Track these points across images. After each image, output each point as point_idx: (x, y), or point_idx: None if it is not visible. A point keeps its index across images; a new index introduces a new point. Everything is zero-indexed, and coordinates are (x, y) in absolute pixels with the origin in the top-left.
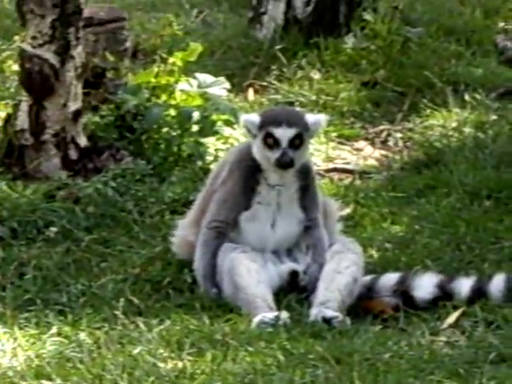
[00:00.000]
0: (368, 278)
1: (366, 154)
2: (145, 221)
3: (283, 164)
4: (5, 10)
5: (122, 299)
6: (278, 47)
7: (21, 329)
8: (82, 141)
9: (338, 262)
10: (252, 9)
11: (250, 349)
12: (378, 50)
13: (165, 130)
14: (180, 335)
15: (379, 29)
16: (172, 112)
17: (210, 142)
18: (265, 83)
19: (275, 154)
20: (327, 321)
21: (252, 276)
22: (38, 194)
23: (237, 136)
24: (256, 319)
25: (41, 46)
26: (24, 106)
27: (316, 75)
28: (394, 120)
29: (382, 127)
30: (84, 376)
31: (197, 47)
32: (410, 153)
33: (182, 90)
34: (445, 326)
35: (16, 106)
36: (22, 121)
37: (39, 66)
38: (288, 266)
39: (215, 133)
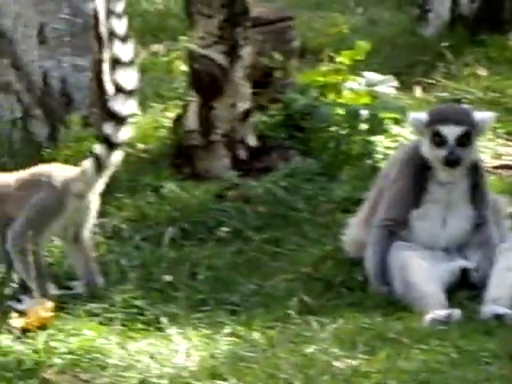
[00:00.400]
0: None
1: None
2: (315, 220)
3: (451, 162)
4: (170, 11)
5: (294, 298)
6: (444, 44)
7: (194, 329)
8: (252, 141)
9: (508, 259)
10: (417, 6)
11: (423, 347)
12: None
13: (333, 128)
14: (353, 334)
15: None
16: (340, 111)
17: (378, 140)
18: (431, 81)
19: (442, 152)
20: (499, 318)
21: (423, 274)
22: (208, 195)
23: (405, 134)
24: (428, 317)
25: (209, 46)
26: (193, 107)
27: (483, 72)
28: None
29: None
30: (258, 375)
31: (364, 46)
32: None
33: (350, 89)
34: None
35: (185, 107)
36: (192, 121)
37: (208, 66)
38: (459, 263)
39: (384, 131)
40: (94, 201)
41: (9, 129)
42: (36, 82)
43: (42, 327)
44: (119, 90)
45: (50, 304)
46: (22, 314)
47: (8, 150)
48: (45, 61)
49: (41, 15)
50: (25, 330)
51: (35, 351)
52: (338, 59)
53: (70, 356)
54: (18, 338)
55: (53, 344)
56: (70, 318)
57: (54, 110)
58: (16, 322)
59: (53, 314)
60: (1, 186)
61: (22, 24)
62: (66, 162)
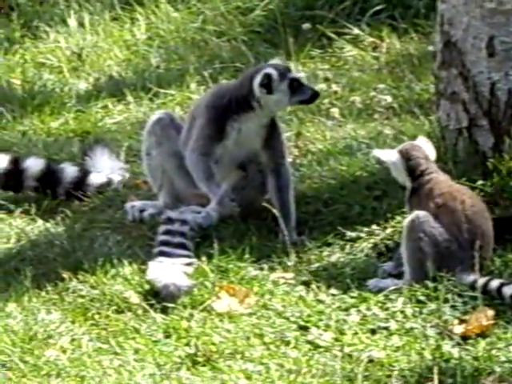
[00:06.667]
0: None
1: None
2: None
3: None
4: None
5: None
6: None
7: None
8: None
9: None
10: None
11: None
12: None
13: None
14: None
15: None
16: None
17: None
18: None
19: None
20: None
21: None
22: None
23: None
24: None
25: None
26: None
27: None
28: None
29: None
30: None
31: None
32: None
33: None
34: None
35: None
36: None
37: None
38: None
39: None
40: None
41: (455, 137)
42: (483, 92)
43: (482, 335)
44: None
45: (490, 312)
46: (462, 321)
47: (452, 158)
48: (493, 72)
49: (490, 27)
50: (465, 337)
51: (475, 358)
52: None
53: (509, 365)
54: (459, 344)
55: (493, 352)
56: (510, 326)
57: (499, 121)
58: (457, 328)
59: (493, 321)
60: None
61: (472, 35)
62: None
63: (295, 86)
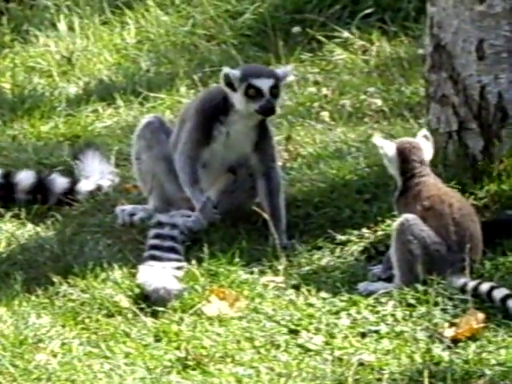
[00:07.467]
0: None
1: None
2: None
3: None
4: None
5: None
6: None
7: None
8: None
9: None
10: None
11: None
12: None
13: None
14: None
15: None
16: None
17: None
18: None
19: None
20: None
21: None
22: None
23: None
24: None
25: None
26: None
27: None
28: None
29: None
30: None
31: None
32: None
33: None
34: None
35: None
36: None
37: None
38: None
39: None
40: None
41: (445, 140)
42: (473, 96)
43: (473, 338)
44: None
45: (480, 315)
46: (453, 324)
47: (442, 161)
48: (482, 76)
49: (480, 30)
50: (455, 340)
51: (466, 361)
52: None
53: (499, 368)
54: (449, 347)
55: (483, 355)
56: (500, 329)
57: (489, 125)
58: (447, 331)
59: (483, 324)
60: None
61: (462, 38)
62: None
63: (251, 93)
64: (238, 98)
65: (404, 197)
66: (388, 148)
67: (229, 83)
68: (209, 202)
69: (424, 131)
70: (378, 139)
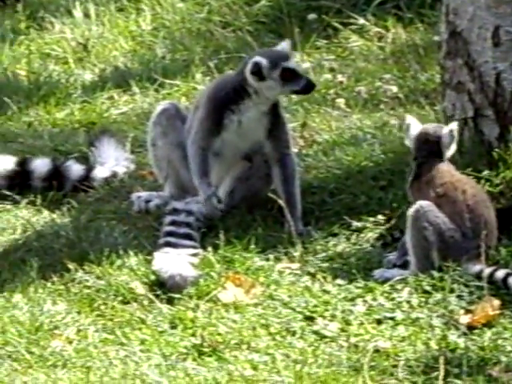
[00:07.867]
0: None
1: None
2: None
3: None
4: None
5: None
6: None
7: None
8: None
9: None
10: None
11: None
12: None
13: None
14: None
15: None
16: None
17: None
18: None
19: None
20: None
21: None
22: None
23: None
24: None
25: None
26: None
27: None
28: None
29: None
30: None
31: None
32: None
33: None
34: None
35: None
36: None
37: None
38: None
39: None
40: None
41: (460, 127)
42: (489, 82)
43: (488, 324)
44: None
45: (496, 302)
46: (468, 311)
47: (458, 148)
48: (498, 62)
49: (496, 17)
50: (471, 327)
51: (481, 348)
52: None
53: None
54: (465, 334)
55: (499, 342)
56: None
57: (505, 111)
58: (463, 318)
59: (499, 311)
60: None
61: (477, 25)
62: None
63: (288, 76)
64: (268, 85)
65: (417, 181)
66: (413, 128)
67: (256, 72)
68: (214, 196)
69: (454, 124)
70: (410, 118)
